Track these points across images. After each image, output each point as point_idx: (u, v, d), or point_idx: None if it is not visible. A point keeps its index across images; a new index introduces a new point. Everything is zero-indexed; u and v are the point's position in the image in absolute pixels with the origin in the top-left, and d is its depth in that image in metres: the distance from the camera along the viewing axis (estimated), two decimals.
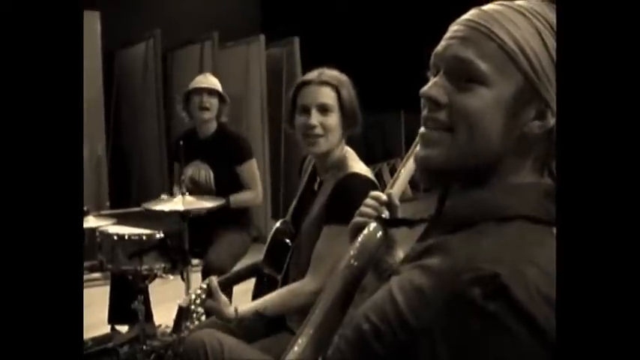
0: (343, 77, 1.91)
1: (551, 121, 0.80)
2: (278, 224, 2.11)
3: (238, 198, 3.28)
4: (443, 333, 0.71)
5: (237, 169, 3.31)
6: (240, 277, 2.20)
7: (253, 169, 3.36)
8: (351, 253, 1.03)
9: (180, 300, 1.82)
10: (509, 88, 0.79)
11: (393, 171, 9.89)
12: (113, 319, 3.20)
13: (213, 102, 3.30)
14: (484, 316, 0.68)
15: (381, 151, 9.89)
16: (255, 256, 3.52)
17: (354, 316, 0.82)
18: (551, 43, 0.79)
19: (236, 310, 1.75)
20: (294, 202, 2.11)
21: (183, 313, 1.76)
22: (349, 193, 1.74)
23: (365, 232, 1.07)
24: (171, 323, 3.33)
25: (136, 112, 6.31)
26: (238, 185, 3.31)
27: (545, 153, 0.83)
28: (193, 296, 1.76)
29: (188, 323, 1.77)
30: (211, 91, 3.30)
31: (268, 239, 2.11)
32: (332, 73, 1.91)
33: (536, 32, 0.80)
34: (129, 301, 2.74)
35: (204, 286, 1.78)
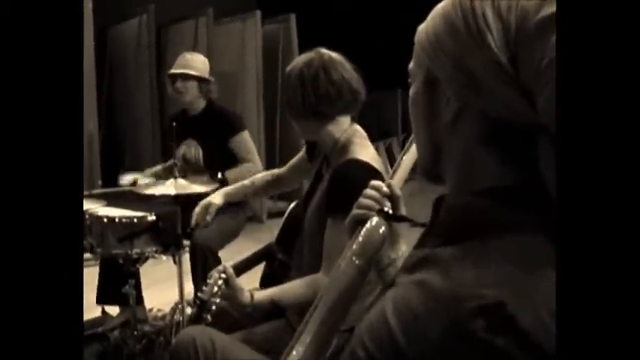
0: (296, 66, 1.80)
1: (453, 106, 0.74)
2: (292, 206, 2.06)
3: (236, 172, 3.22)
4: None
5: (230, 144, 3.27)
6: (254, 261, 2.14)
7: (246, 141, 3.32)
8: (353, 249, 0.97)
9: (200, 292, 1.74)
10: (421, 78, 0.79)
11: (389, 150, 9.85)
12: (102, 299, 3.14)
13: (189, 85, 3.28)
14: (488, 351, 0.61)
15: (377, 131, 9.81)
16: (248, 235, 3.51)
17: (351, 335, 0.75)
18: (455, 31, 0.72)
19: (252, 296, 1.70)
20: (309, 185, 2.04)
21: (205, 306, 1.69)
22: (346, 181, 1.66)
23: (367, 226, 0.99)
24: (163, 306, 3.31)
25: (129, 88, 6.23)
26: (230, 161, 3.26)
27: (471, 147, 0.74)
28: (215, 288, 1.69)
29: (208, 316, 1.70)
30: (186, 76, 3.27)
31: (282, 221, 2.06)
32: (292, 63, 1.84)
33: (442, 22, 0.74)
34: (118, 281, 2.68)
35: (223, 275, 1.71)
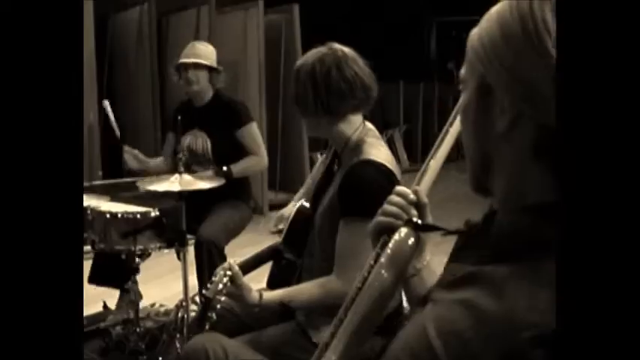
0: (307, 62, 1.73)
1: (508, 115, 0.69)
2: (300, 203, 2.00)
3: (241, 166, 3.19)
4: None
5: (237, 135, 3.23)
6: (261, 260, 2.08)
7: (255, 133, 3.29)
8: (381, 262, 0.91)
9: (205, 290, 1.69)
10: (474, 85, 0.75)
11: (390, 142, 9.80)
12: (94, 279, 3.04)
13: (201, 74, 3.23)
14: None
15: (379, 122, 9.77)
16: (249, 227, 3.45)
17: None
18: (510, 35, 0.68)
19: (261, 296, 1.65)
20: (317, 181, 1.98)
21: (210, 304, 1.63)
22: (360, 183, 1.62)
23: (396, 237, 0.94)
24: (165, 301, 3.26)
25: (130, 78, 6.19)
26: (238, 152, 3.23)
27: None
28: (220, 286, 1.64)
29: (213, 314, 1.64)
30: (197, 65, 3.22)
31: (289, 220, 2.01)
32: (303, 58, 1.77)
33: (497, 26, 0.70)
34: (113, 263, 2.63)
35: (229, 272, 1.65)
